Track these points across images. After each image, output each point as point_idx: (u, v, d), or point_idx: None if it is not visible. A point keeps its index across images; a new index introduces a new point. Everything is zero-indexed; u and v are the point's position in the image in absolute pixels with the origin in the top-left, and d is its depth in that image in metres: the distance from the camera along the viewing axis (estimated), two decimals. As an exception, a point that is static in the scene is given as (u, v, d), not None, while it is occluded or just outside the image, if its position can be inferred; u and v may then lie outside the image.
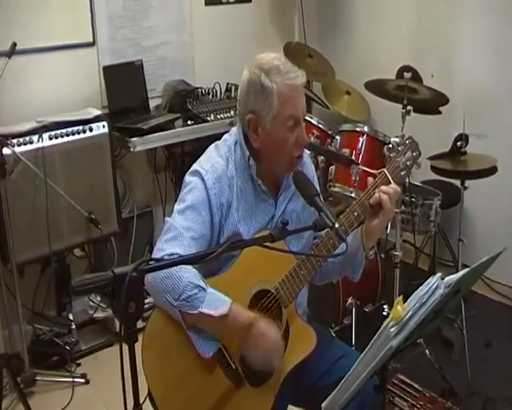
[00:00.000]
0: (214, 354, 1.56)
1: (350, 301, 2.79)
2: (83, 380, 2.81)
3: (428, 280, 1.24)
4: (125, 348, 1.14)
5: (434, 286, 1.21)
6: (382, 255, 3.07)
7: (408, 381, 2.49)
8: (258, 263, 1.58)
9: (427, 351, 2.64)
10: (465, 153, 2.68)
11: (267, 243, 1.38)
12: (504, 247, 1.49)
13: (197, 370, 1.57)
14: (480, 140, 2.93)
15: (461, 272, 1.32)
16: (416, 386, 2.50)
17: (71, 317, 3.05)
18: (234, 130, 1.77)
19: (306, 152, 1.87)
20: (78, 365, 2.93)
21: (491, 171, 2.64)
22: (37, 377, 2.74)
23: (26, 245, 2.68)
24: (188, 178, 1.69)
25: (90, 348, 3.03)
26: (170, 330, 1.57)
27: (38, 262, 2.91)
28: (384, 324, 1.21)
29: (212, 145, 1.77)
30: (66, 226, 2.82)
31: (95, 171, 2.89)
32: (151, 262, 1.18)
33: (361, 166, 2.37)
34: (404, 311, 1.15)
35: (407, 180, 2.45)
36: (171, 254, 1.53)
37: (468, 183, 2.68)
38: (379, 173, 1.73)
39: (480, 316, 2.96)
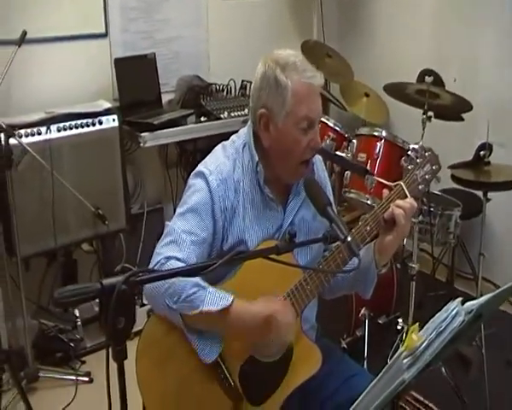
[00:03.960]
0: (213, 369, 1.47)
1: (363, 312, 2.67)
2: (87, 378, 2.73)
3: (447, 306, 1.13)
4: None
5: (454, 313, 1.10)
6: (398, 265, 2.92)
7: (422, 399, 2.38)
8: (262, 274, 1.47)
9: (442, 369, 2.49)
10: (488, 163, 2.54)
11: (272, 256, 1.28)
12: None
13: (195, 384, 1.49)
14: (503, 149, 2.79)
15: (484, 298, 1.19)
16: (431, 405, 2.39)
17: (77, 313, 2.98)
18: (243, 131, 1.67)
19: (319, 157, 1.77)
20: (83, 362, 2.86)
21: (516, 183, 2.50)
22: (41, 374, 2.68)
23: (32, 238, 2.62)
24: (191, 179, 1.60)
25: (95, 345, 2.95)
26: (168, 339, 1.49)
27: (44, 256, 2.85)
28: (396, 354, 1.10)
29: (219, 145, 1.67)
30: (72, 220, 2.75)
31: (104, 165, 2.81)
32: (143, 273, 1.09)
33: (376, 177, 2.25)
34: (420, 341, 1.04)
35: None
36: (168, 258, 1.45)
37: (490, 194, 2.55)
38: (395, 186, 1.63)
39: (501, 333, 2.82)
